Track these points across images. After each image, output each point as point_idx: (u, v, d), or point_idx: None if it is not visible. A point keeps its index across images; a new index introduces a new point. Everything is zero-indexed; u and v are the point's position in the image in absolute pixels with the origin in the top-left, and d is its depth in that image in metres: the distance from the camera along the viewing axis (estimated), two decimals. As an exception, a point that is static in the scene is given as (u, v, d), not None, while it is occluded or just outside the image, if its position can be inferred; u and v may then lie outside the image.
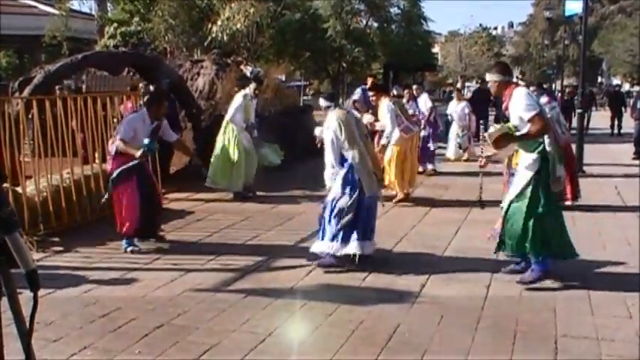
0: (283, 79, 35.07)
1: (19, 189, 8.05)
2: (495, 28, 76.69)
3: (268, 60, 25.32)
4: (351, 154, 6.69)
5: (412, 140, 10.64)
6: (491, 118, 22.60)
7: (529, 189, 6.04)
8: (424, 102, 14.17)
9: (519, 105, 6.01)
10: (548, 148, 5.99)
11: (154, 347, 4.80)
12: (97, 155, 9.44)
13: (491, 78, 6.35)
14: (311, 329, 5.14)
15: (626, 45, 37.24)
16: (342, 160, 6.78)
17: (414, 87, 12.44)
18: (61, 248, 7.73)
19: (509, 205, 6.20)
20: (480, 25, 62.67)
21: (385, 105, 10.11)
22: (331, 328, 5.19)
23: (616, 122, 24.01)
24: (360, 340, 4.94)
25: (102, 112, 9.47)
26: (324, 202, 6.93)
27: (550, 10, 54.05)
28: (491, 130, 6.47)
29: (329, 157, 6.81)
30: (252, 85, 10.92)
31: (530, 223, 6.02)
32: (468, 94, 27.11)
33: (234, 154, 10.66)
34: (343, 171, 6.74)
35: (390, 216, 9.43)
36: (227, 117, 10.79)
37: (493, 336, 5.04)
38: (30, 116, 8.63)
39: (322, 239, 6.79)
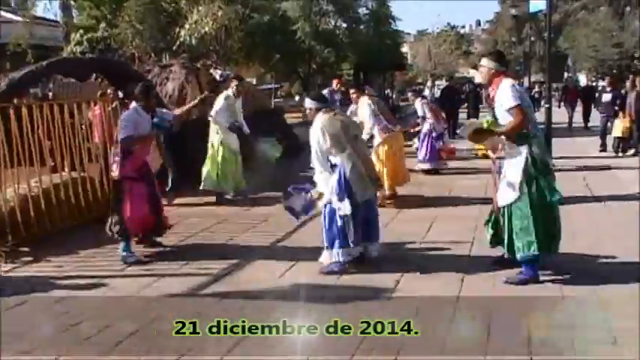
0: (254, 82, 34.98)
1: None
2: (463, 27, 77.43)
3: (238, 63, 25.31)
4: (339, 160, 6.62)
5: (397, 140, 10.55)
6: (462, 115, 22.82)
7: (525, 186, 6.00)
8: (421, 106, 14.03)
9: (504, 94, 6.02)
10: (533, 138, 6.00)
11: (128, 354, 4.75)
12: (65, 164, 9.33)
13: (486, 64, 6.30)
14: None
15: (589, 41, 37.79)
16: (331, 165, 6.70)
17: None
18: (31, 258, 7.60)
19: (509, 207, 6.16)
20: (448, 23, 63.22)
21: (365, 103, 10.12)
22: (307, 328, 5.18)
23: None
24: (336, 338, 4.93)
25: (70, 120, 9.37)
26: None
27: (516, 7, 54.68)
28: (470, 122, 6.46)
29: (316, 164, 6.71)
30: (233, 83, 10.93)
31: (534, 221, 6.01)
32: (437, 92, 27.27)
33: (219, 156, 10.68)
34: (334, 176, 6.63)
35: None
36: (210, 117, 10.79)
37: (467, 331, 5.06)
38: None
39: (326, 248, 6.71)
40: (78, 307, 5.83)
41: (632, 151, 16.12)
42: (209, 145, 10.83)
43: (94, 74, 12.89)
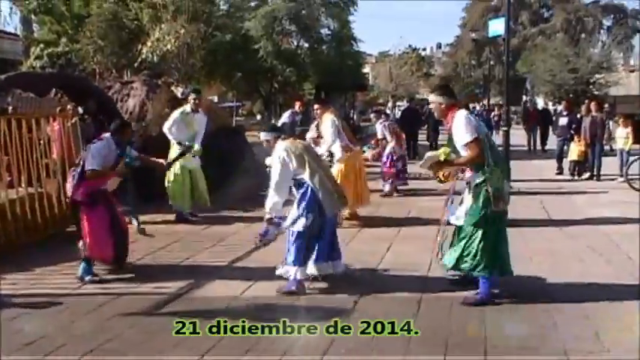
0: (215, 100, 34.92)
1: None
2: (424, 49, 77.93)
3: (200, 81, 25.26)
4: (306, 177, 6.63)
5: (357, 159, 10.58)
6: (422, 136, 23.04)
7: (477, 206, 6.11)
8: (381, 129, 14.05)
9: (459, 129, 6.10)
10: (487, 172, 6.09)
11: (83, 373, 4.70)
12: (22, 179, 9.21)
13: (435, 99, 6.35)
14: (243, 350, 5.12)
15: (546, 65, 38.52)
16: (298, 183, 6.72)
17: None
18: (-17, 275, 7.48)
19: (460, 225, 6.32)
20: (410, 45, 63.64)
21: (329, 120, 10.08)
22: (265, 349, 5.17)
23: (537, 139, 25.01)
24: (294, 359, 4.94)
25: (28, 135, 9.26)
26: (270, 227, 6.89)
27: (476, 31, 55.44)
28: (426, 156, 6.50)
29: (276, 186, 6.65)
30: (191, 97, 10.85)
31: (483, 241, 6.13)
32: (398, 113, 27.50)
33: (174, 173, 10.58)
34: (300, 192, 6.67)
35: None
36: (164, 129, 10.69)
37: (425, 349, 5.11)
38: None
39: (286, 263, 6.69)
40: (32, 325, 5.75)
41: (587, 175, 16.46)
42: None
43: (54, 89, 12.77)
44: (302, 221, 6.60)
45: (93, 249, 7.27)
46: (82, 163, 7.40)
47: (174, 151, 10.50)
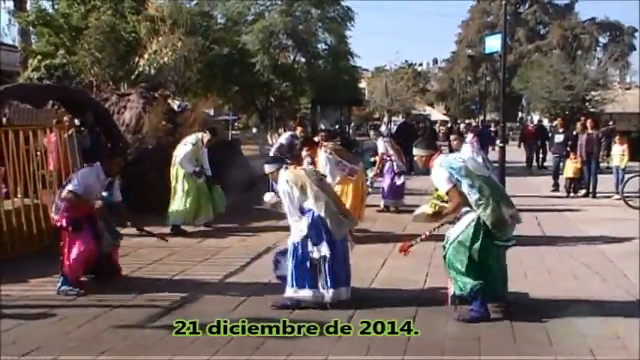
0: (211, 113, 34.97)
1: None
2: (421, 65, 78.18)
3: (196, 94, 25.29)
4: (311, 203, 6.60)
5: (359, 177, 10.52)
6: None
7: (469, 230, 6.18)
8: (383, 145, 14.08)
9: (436, 181, 6.41)
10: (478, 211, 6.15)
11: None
12: (18, 190, 9.21)
13: (417, 153, 6.67)
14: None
15: (542, 82, 38.59)
16: (301, 209, 6.69)
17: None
18: (-22, 286, 7.46)
19: (449, 245, 6.35)
20: (406, 61, 63.78)
21: (323, 157, 9.93)
22: (269, 352, 5.17)
23: (541, 156, 25.04)
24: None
25: (25, 146, 9.26)
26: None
27: (472, 47, 55.78)
28: (417, 212, 7.06)
29: (291, 217, 6.72)
30: (207, 136, 10.97)
31: (471, 263, 6.17)
32: (394, 128, 27.53)
33: (184, 188, 10.71)
34: (306, 220, 6.62)
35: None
36: (176, 162, 10.79)
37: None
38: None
39: (292, 286, 6.64)
40: (27, 337, 5.73)
41: (582, 192, 16.50)
42: (175, 185, 10.83)
43: (51, 101, 12.79)
44: (312, 248, 6.58)
45: (69, 271, 7.24)
46: (67, 183, 7.44)
47: (179, 176, 10.63)
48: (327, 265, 6.55)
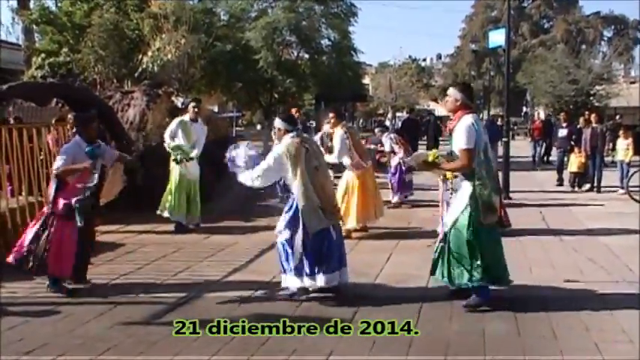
0: (215, 109, 34.98)
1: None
2: (424, 60, 78.04)
3: (200, 91, 25.34)
4: (294, 187, 6.65)
5: (369, 173, 10.41)
6: (422, 146, 23.02)
7: (465, 215, 6.17)
8: (389, 142, 14.08)
9: (459, 133, 6.18)
10: (477, 183, 6.14)
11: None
12: (23, 188, 9.22)
13: (453, 94, 6.38)
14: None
15: (546, 76, 38.46)
16: (287, 189, 6.84)
17: None
18: (-16, 284, 7.48)
19: (447, 233, 6.34)
20: (410, 56, 63.83)
21: (339, 135, 9.87)
22: (271, 351, 5.17)
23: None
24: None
25: (29, 144, 9.28)
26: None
27: (475, 42, 55.64)
28: (417, 153, 6.67)
29: (261, 171, 6.75)
30: (191, 105, 10.92)
31: (470, 250, 6.17)
32: (398, 124, 27.55)
33: (175, 182, 10.61)
34: (288, 205, 6.77)
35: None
36: (165, 138, 10.74)
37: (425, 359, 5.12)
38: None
39: (284, 273, 6.81)
40: (32, 334, 5.75)
41: (587, 186, 16.47)
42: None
43: (55, 99, 12.80)
44: (285, 233, 6.68)
45: (52, 265, 7.05)
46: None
47: (172, 159, 10.53)
48: (305, 254, 6.61)
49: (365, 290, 7.12)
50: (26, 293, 7.10)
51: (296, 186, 6.64)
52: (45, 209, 7.29)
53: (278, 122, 7.08)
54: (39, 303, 6.71)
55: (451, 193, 6.49)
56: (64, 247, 7.06)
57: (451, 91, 6.48)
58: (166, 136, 10.64)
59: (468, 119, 6.23)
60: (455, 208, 6.34)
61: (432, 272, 6.60)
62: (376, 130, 16.12)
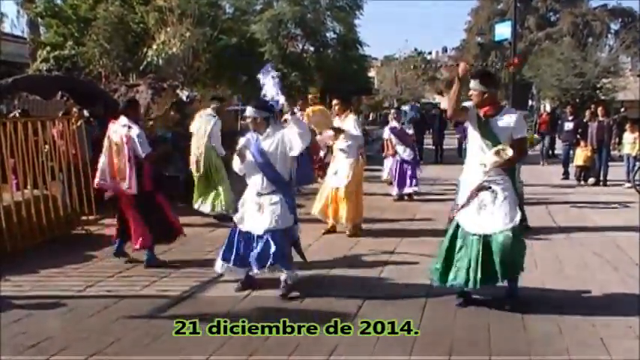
0: (220, 103, 34.85)
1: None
2: (430, 53, 77.83)
3: (205, 84, 25.28)
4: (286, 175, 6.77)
5: (360, 170, 10.18)
6: (428, 140, 22.92)
7: (515, 213, 6.00)
8: (388, 132, 14.07)
9: (519, 122, 6.04)
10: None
11: (87, 376, 4.69)
12: (28, 181, 9.23)
13: (479, 88, 6.02)
14: (247, 354, 5.11)
15: (553, 69, 38.33)
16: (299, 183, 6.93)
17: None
18: (-11, 277, 7.49)
19: (487, 236, 6.02)
20: (415, 49, 63.65)
21: (352, 120, 9.79)
22: (268, 353, 5.16)
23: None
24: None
25: (34, 138, 9.28)
26: None
27: (482, 35, 55.52)
28: (491, 157, 5.98)
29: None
30: (214, 104, 11.08)
31: (519, 249, 6.10)
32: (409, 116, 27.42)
33: (217, 174, 10.75)
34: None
35: (326, 239, 9.47)
36: (214, 143, 10.74)
37: (429, 356, 5.09)
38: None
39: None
40: (37, 327, 5.75)
41: (593, 180, 16.42)
42: (214, 169, 10.78)
43: (60, 92, 12.81)
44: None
45: (144, 242, 7.85)
46: (130, 155, 7.63)
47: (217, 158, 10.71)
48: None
49: (371, 284, 7.10)
50: (31, 286, 7.10)
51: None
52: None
53: (251, 111, 6.79)
54: (44, 296, 6.71)
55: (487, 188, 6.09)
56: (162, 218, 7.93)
57: (474, 84, 6.06)
58: (215, 140, 10.73)
59: (512, 109, 6.16)
60: (502, 209, 6.01)
61: (443, 279, 6.28)
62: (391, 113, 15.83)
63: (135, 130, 7.66)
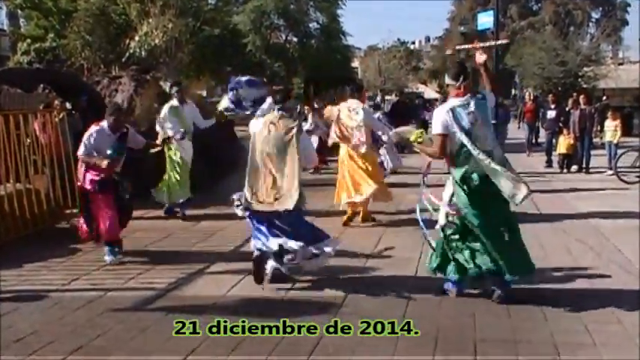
0: (204, 94, 34.82)
1: None
2: (413, 43, 77.89)
3: (188, 75, 25.24)
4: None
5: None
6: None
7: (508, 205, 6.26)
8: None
9: (435, 118, 6.11)
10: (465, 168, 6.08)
11: (73, 370, 4.69)
12: (10, 175, 9.16)
13: (446, 80, 6.25)
14: (234, 345, 5.11)
15: (535, 58, 38.48)
16: None
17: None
18: (-28, 272, 7.44)
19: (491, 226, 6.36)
20: (398, 39, 63.59)
21: (363, 112, 9.57)
22: (254, 343, 5.17)
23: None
24: (284, 354, 4.94)
25: (16, 131, 9.21)
26: None
27: (464, 25, 55.57)
28: (403, 129, 6.71)
29: None
30: (173, 90, 10.87)
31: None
32: (388, 107, 27.51)
33: (176, 165, 10.56)
34: None
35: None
36: (157, 127, 10.63)
37: (415, 343, 5.13)
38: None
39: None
40: (22, 322, 5.73)
41: (575, 168, 16.54)
42: (168, 159, 10.63)
43: (42, 85, 12.70)
44: None
45: (109, 236, 7.76)
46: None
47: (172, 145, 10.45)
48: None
49: (355, 274, 7.13)
50: (16, 281, 7.07)
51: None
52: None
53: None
54: (29, 290, 6.69)
55: None
56: (109, 217, 7.71)
57: (446, 77, 6.27)
58: (159, 123, 10.52)
59: (445, 105, 6.09)
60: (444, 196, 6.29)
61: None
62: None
63: (89, 131, 7.76)
